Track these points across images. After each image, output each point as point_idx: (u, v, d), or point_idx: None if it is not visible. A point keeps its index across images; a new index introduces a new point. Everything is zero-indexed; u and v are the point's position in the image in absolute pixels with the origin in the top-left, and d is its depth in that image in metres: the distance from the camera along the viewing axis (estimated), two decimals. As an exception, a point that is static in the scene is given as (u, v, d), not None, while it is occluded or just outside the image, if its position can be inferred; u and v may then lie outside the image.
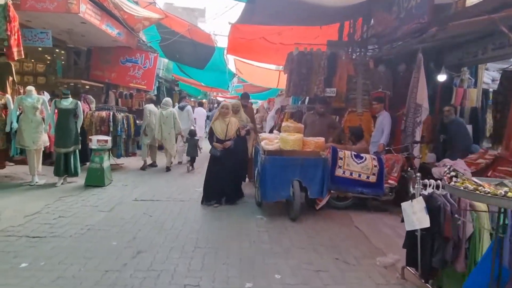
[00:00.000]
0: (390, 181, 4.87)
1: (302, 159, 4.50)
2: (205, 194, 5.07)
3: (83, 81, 8.91)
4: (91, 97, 7.74)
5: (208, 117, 12.47)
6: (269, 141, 4.82)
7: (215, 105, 31.54)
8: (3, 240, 3.48)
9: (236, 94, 24.65)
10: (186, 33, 9.90)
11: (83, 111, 7.04)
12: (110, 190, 5.65)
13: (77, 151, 5.89)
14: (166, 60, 14.77)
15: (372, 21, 6.78)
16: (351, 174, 4.75)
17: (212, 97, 25.38)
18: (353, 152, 4.85)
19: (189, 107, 9.17)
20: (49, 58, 9.77)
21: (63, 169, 5.69)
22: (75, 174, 5.86)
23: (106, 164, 5.87)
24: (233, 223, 4.34)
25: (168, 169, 7.66)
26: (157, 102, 14.84)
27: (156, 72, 13.42)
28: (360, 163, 4.77)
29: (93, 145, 5.70)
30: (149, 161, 7.86)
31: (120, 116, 7.06)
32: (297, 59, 7.03)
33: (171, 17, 9.73)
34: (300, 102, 7.77)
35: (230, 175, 5.02)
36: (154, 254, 3.33)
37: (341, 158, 4.75)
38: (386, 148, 5.41)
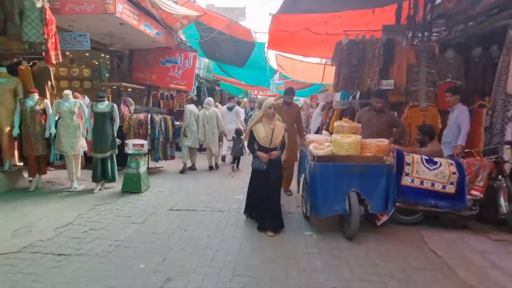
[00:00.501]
0: (474, 192, 3.86)
1: (360, 166, 3.67)
2: (247, 207, 4.35)
3: (124, 84, 8.80)
4: (130, 100, 7.54)
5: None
6: (319, 144, 4.05)
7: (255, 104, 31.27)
8: (28, 258, 3.16)
9: (278, 91, 23.93)
10: (225, 29, 9.41)
11: (123, 114, 6.85)
12: (146, 197, 5.28)
13: (114, 155, 5.61)
14: (206, 60, 14.53)
15: (438, -2, 5.68)
16: (421, 183, 3.83)
17: (253, 96, 24.91)
18: (423, 156, 3.92)
19: (237, 108, 8.92)
20: (96, 63, 9.88)
21: (101, 174, 5.44)
22: (113, 179, 5.60)
23: (142, 169, 5.52)
24: (277, 241, 3.66)
25: (211, 167, 7.66)
26: (198, 102, 14.81)
27: (196, 72, 13.26)
28: (434, 169, 3.82)
29: (129, 149, 5.37)
30: (189, 164, 7.47)
31: (158, 118, 6.72)
32: (347, 48, 6.14)
33: (209, 14, 9.30)
34: (350, 97, 6.84)
35: (275, 193, 4.02)
36: (185, 283, 2.77)
37: (408, 164, 3.85)
38: (466, 150, 4.36)
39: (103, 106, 5.42)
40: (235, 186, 6.09)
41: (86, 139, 5.61)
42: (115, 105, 5.52)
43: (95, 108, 5.37)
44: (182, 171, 7.19)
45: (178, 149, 7.83)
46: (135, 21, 7.07)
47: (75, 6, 6.20)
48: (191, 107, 7.57)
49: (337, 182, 3.65)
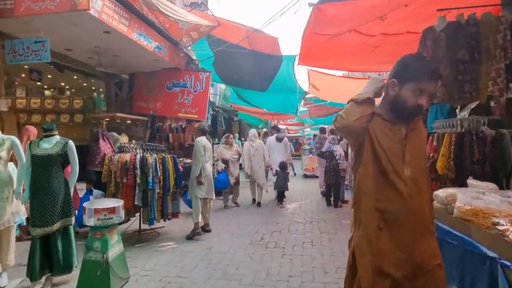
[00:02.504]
0: None
1: None
2: None
3: (119, 115, 6.62)
4: (115, 134, 5.27)
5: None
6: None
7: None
8: None
9: (300, 120, 21.58)
10: (244, 43, 7.25)
11: (102, 154, 4.52)
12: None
13: (71, 228, 3.19)
14: (223, 87, 12.47)
15: None
16: None
17: (273, 125, 22.72)
18: None
19: (286, 139, 8.15)
20: (88, 91, 7.87)
21: (41, 265, 2.99)
22: (67, 269, 3.13)
23: (114, 251, 3.05)
24: None
25: (259, 204, 6.95)
26: (214, 134, 12.59)
27: (212, 99, 11.14)
28: None
29: (88, 219, 2.93)
30: (201, 223, 4.95)
31: (152, 158, 4.33)
32: (447, 36, 3.68)
33: (225, 24, 7.17)
34: (444, 114, 4.22)
35: None
36: None
37: None
38: None
39: (50, 144, 3.09)
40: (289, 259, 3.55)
41: (23, 200, 3.22)
42: (70, 143, 3.17)
43: (34, 149, 3.03)
44: (190, 236, 4.65)
45: (189, 202, 5.35)
46: (124, 27, 4.95)
47: (33, 4, 4.15)
48: (203, 140, 5.16)
49: None
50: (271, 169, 7.09)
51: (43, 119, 7.38)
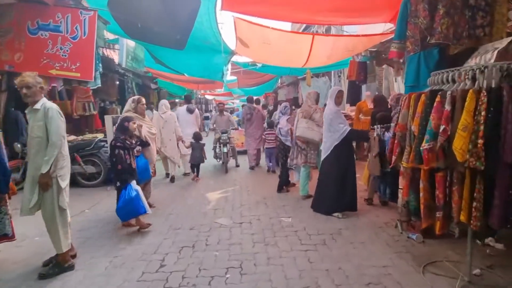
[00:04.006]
0: None
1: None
2: None
3: None
4: None
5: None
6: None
7: (203, 106, 25.98)
8: None
9: (228, 90, 19.60)
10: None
11: None
12: None
13: None
14: (132, 44, 9.77)
15: None
16: None
17: (199, 96, 20.18)
18: None
19: (197, 110, 7.71)
20: None
21: None
22: None
23: None
24: None
25: (172, 178, 6.29)
26: (121, 103, 10.00)
27: (116, 58, 8.54)
28: None
29: None
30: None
31: None
32: None
33: None
34: (430, 68, 2.84)
35: None
36: None
37: None
38: None
39: None
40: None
41: None
42: None
43: None
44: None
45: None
46: None
47: None
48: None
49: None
50: (182, 141, 6.40)
51: None
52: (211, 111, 23.78)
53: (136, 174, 3.63)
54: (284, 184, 5.15)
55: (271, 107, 9.72)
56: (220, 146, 7.18)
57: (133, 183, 3.47)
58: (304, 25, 10.69)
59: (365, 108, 6.20)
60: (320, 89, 10.95)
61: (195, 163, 6.30)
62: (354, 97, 8.62)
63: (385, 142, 3.34)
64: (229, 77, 14.70)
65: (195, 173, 6.30)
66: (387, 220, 3.60)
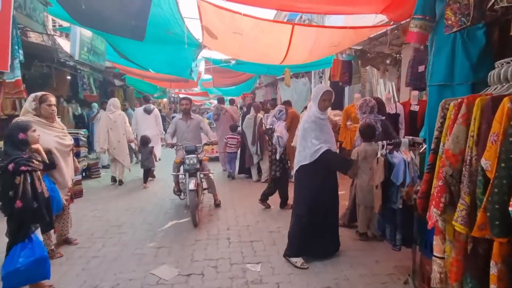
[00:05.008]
0: None
1: None
2: None
3: None
4: None
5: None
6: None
7: (178, 106, 24.26)
8: None
9: (204, 89, 18.26)
10: None
11: None
12: None
13: None
14: (88, 34, 8.34)
15: None
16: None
17: (173, 95, 18.68)
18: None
19: (157, 110, 7.11)
20: None
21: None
22: None
23: None
24: None
25: (120, 182, 5.80)
26: (78, 100, 8.73)
27: (68, 48, 7.20)
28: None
29: None
30: None
31: None
32: None
33: None
34: (473, 61, 1.83)
35: None
36: None
37: None
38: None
39: None
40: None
41: None
42: None
43: None
44: None
45: None
46: None
47: None
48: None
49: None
50: (136, 144, 6.30)
51: None
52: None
53: (50, 210, 2.46)
54: (286, 199, 4.32)
55: (245, 109, 8.64)
56: (184, 175, 4.13)
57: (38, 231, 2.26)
58: (287, 16, 9.63)
59: (354, 114, 5.22)
60: (300, 91, 10.00)
61: (146, 169, 5.91)
62: (336, 100, 7.69)
63: (393, 166, 2.30)
64: (203, 75, 13.48)
65: (145, 180, 5.82)
66: (390, 270, 2.58)
